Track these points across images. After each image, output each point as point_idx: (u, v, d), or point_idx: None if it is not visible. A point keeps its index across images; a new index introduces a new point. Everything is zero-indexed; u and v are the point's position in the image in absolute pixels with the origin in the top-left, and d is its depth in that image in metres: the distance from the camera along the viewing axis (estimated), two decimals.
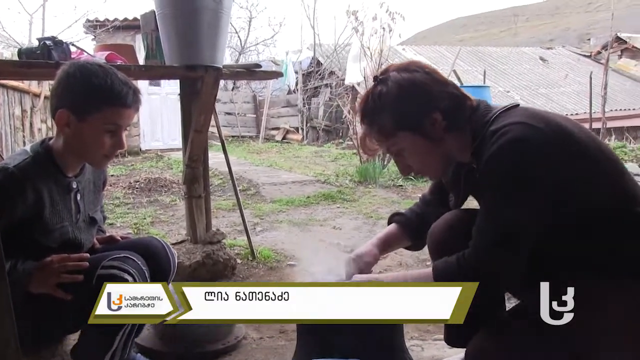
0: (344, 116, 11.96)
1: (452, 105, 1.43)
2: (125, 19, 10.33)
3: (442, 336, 2.33)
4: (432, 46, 18.16)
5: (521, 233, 1.30)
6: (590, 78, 10.35)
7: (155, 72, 2.71)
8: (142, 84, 10.89)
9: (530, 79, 15.76)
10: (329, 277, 1.76)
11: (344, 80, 12.98)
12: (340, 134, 12.96)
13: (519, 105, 1.43)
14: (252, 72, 2.76)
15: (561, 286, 1.22)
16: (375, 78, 1.51)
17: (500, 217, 1.31)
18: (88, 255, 1.51)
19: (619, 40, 16.17)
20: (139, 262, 1.53)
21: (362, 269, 1.70)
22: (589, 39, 23.15)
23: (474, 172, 1.45)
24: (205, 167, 3.09)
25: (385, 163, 7.08)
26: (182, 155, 3.05)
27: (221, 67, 2.57)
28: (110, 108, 1.52)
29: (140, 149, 10.78)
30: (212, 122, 3.52)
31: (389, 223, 1.87)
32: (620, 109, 13.69)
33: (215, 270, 3.00)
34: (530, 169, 1.28)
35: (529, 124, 1.31)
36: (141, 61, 2.85)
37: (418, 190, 6.27)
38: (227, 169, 3.61)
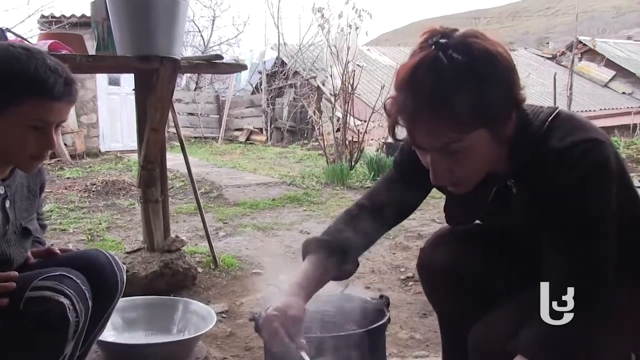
0: (309, 117, 11.80)
1: (524, 101, 1.16)
2: (83, 15, 9.87)
3: (423, 352, 2.16)
4: (397, 47, 18.10)
5: (609, 248, 1.13)
6: (555, 79, 10.41)
7: (104, 64, 2.42)
8: (101, 84, 10.59)
9: None
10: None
11: (308, 80, 12.82)
12: (305, 134, 12.77)
13: (558, 109, 1.20)
14: (213, 64, 2.53)
15: None
16: (436, 41, 1.08)
17: (592, 246, 1.11)
18: (16, 273, 1.26)
19: (580, 43, 16.39)
20: (79, 282, 1.28)
21: (289, 329, 1.24)
22: (548, 42, 23.53)
23: (507, 190, 1.24)
24: (162, 169, 2.85)
25: (353, 164, 6.91)
26: (138, 156, 2.80)
27: (179, 58, 2.34)
28: (33, 100, 1.24)
29: (100, 151, 10.42)
30: (172, 122, 3.29)
31: (304, 255, 1.40)
32: (582, 110, 13.84)
33: (174, 281, 2.76)
34: (612, 194, 1.11)
35: (601, 141, 1.12)
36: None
37: None
38: (195, 184, 3.36)
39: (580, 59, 17.06)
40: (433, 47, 1.07)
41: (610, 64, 16.70)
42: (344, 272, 1.42)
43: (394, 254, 3.56)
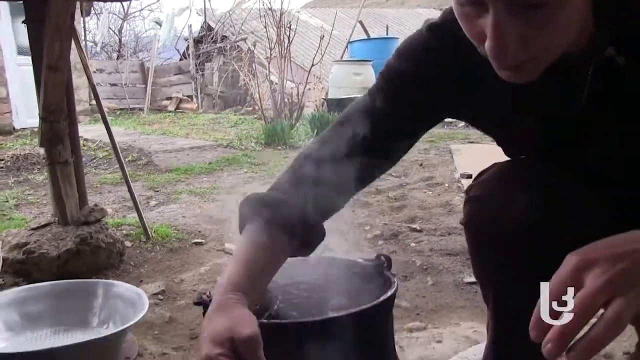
0: (241, 81, 11.15)
1: None
2: None
3: (416, 323, 1.74)
4: (327, 8, 17.58)
5: None
6: None
7: None
8: (9, 54, 9.57)
9: None
10: None
11: (238, 43, 12.14)
12: (238, 100, 12.11)
13: None
14: None
15: None
16: None
17: None
18: None
19: None
20: None
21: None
22: None
23: (606, 74, 0.78)
24: (72, 122, 2.29)
25: (293, 122, 6.42)
26: (38, 106, 2.23)
27: None
28: None
29: (14, 128, 9.41)
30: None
31: (243, 224, 0.95)
32: None
33: (95, 260, 2.24)
34: None
35: None
36: None
37: None
38: (115, 141, 2.76)
39: None
40: None
41: None
42: (307, 244, 0.98)
43: (353, 211, 3.13)
